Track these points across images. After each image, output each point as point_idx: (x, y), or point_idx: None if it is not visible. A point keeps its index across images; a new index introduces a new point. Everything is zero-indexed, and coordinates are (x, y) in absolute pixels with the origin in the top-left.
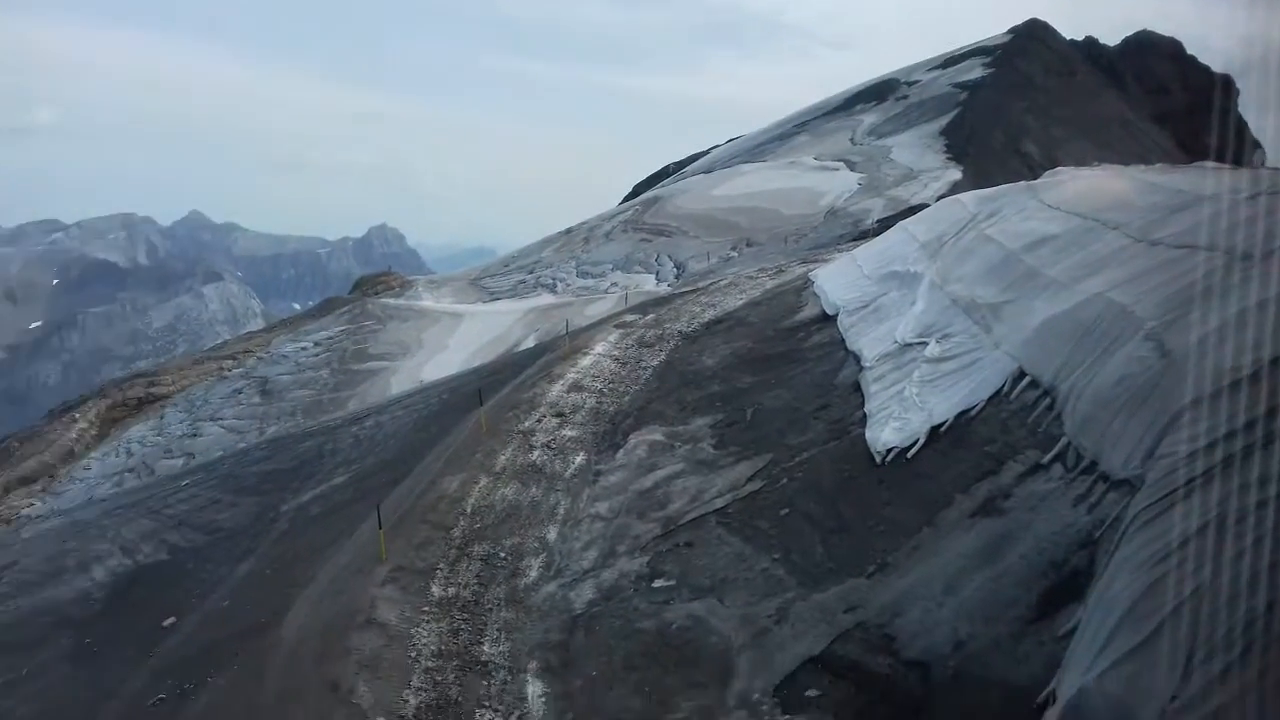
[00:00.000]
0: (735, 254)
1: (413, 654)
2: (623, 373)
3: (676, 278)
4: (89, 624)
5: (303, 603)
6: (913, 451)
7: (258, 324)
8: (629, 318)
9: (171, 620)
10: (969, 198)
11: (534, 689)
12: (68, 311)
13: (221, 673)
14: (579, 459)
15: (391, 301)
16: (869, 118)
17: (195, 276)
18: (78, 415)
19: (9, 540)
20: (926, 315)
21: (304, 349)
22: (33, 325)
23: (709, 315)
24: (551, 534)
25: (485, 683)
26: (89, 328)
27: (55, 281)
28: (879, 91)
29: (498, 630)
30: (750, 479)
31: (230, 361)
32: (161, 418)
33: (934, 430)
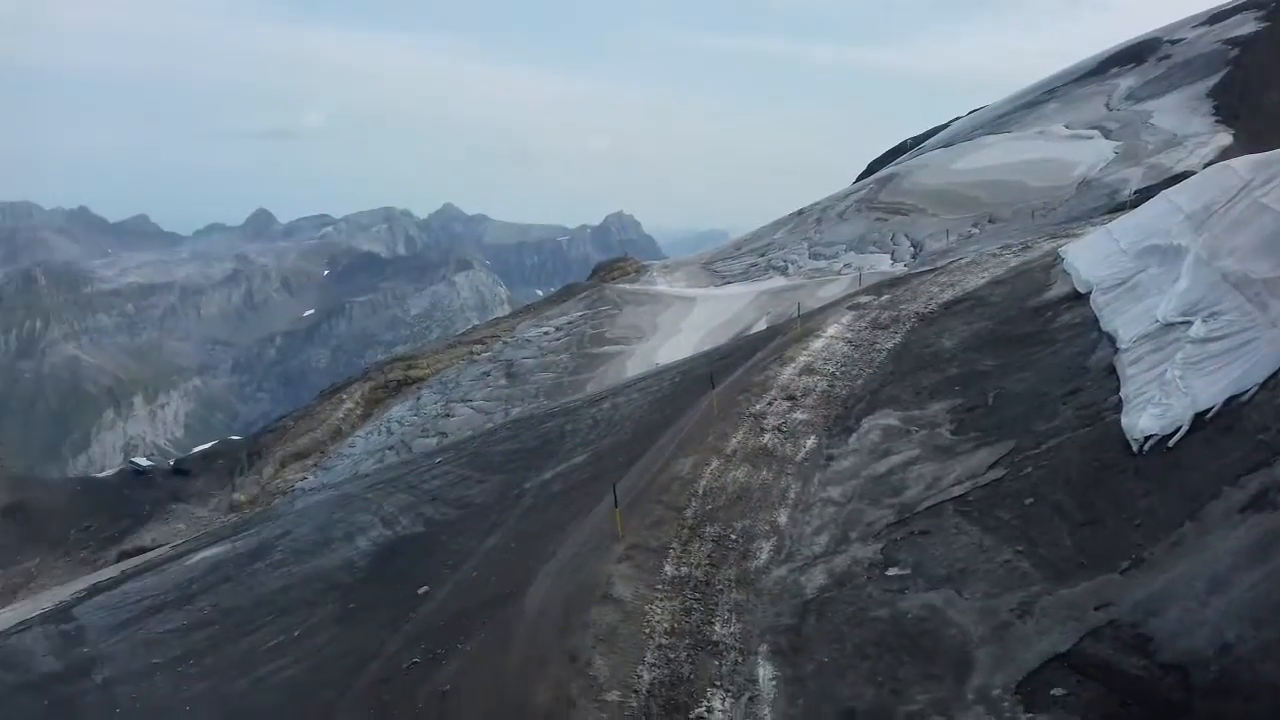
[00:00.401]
0: (976, 231)
1: (646, 630)
2: (856, 355)
3: (913, 257)
4: (353, 589)
5: (544, 576)
6: (1174, 440)
7: (504, 310)
8: (863, 299)
9: (425, 589)
10: (1242, 163)
11: (764, 671)
12: (336, 300)
13: (470, 640)
14: (810, 442)
15: (627, 287)
16: (1126, 81)
17: (448, 265)
18: (345, 396)
19: (285, 511)
20: (1191, 292)
21: (546, 333)
22: (306, 313)
23: (948, 295)
24: (782, 518)
25: (716, 662)
26: (354, 315)
27: (325, 272)
28: (1137, 53)
29: (728, 611)
30: (991, 466)
31: (479, 346)
32: (418, 399)
33: (1198, 417)
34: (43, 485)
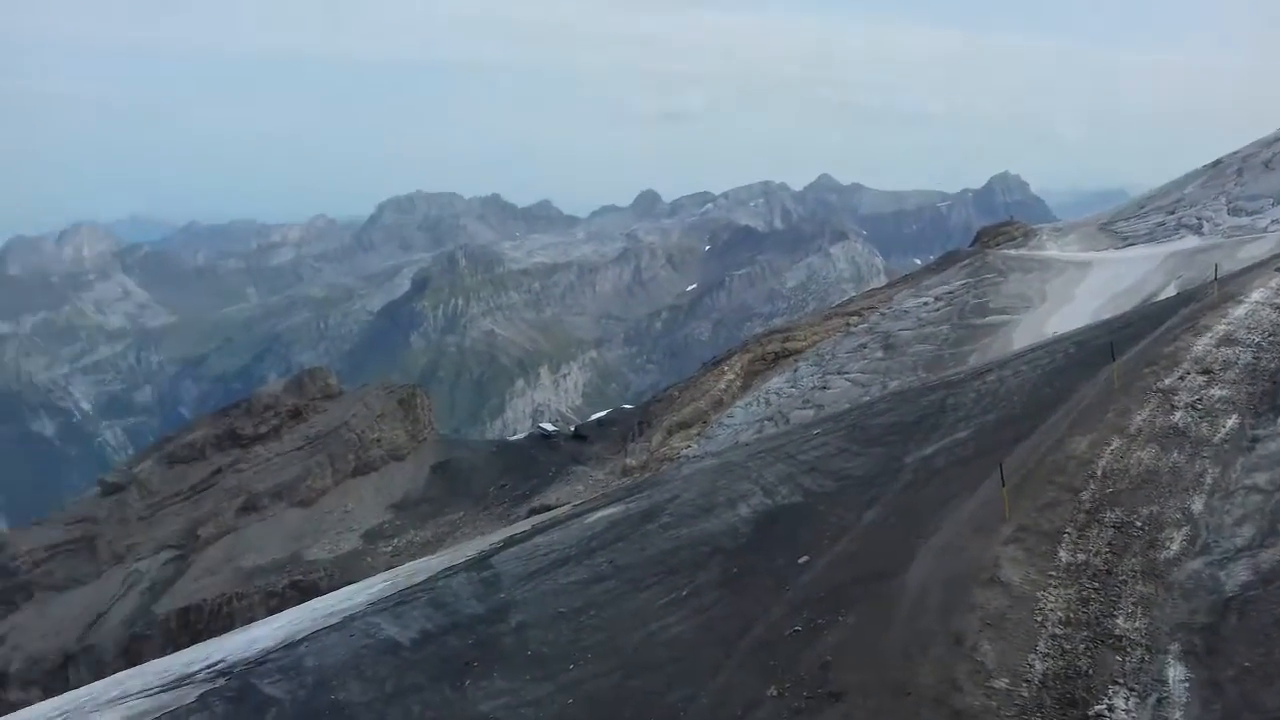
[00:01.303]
0: None
1: (1038, 618)
2: None
3: None
4: (736, 554)
5: (926, 554)
6: None
7: (880, 281)
8: None
9: (805, 558)
10: None
11: (1175, 672)
12: (717, 274)
13: (849, 612)
14: (1231, 422)
15: (1013, 253)
16: None
17: (824, 237)
18: (725, 368)
19: (672, 477)
20: None
21: (925, 304)
22: (689, 288)
23: None
24: (1197, 505)
25: (1119, 659)
26: (734, 288)
27: (707, 248)
28: None
29: (1133, 604)
30: None
31: (855, 318)
32: (795, 371)
33: None
34: (466, 446)
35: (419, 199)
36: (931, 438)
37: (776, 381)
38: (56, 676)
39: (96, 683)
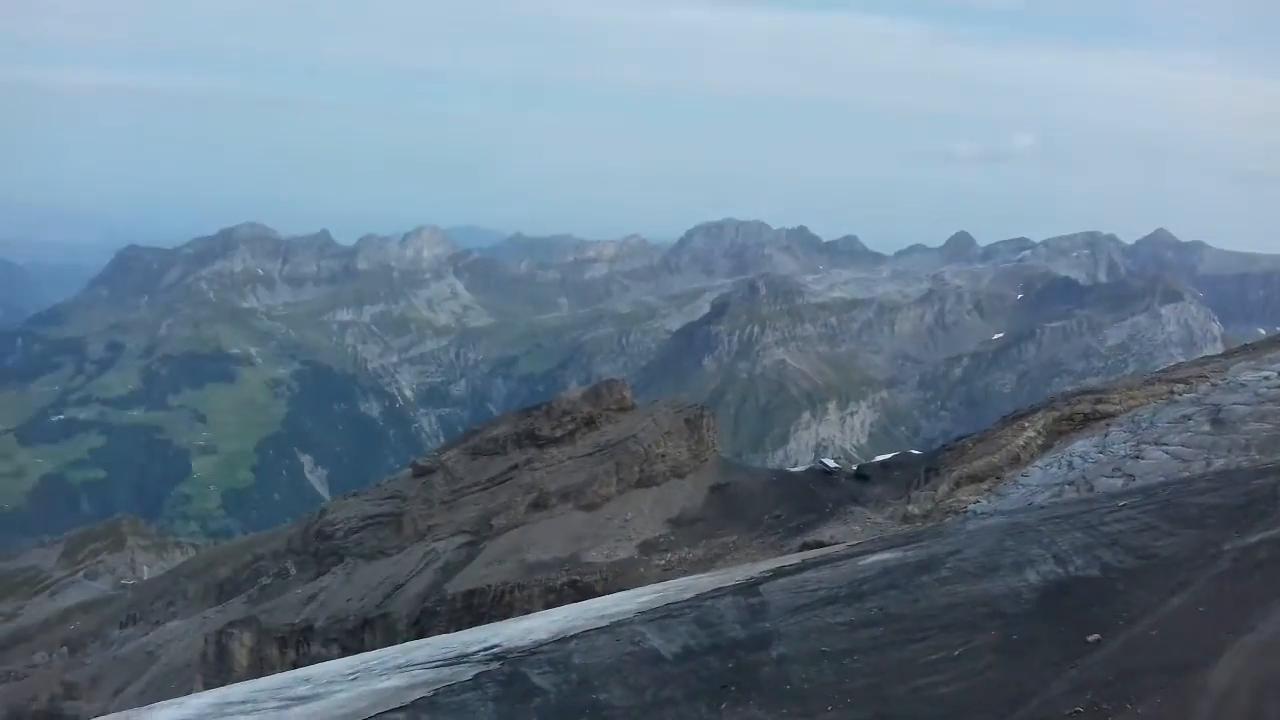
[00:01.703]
0: None
1: None
2: None
3: None
4: (1017, 621)
5: (1238, 651)
6: None
7: (1215, 348)
8: None
9: (1096, 637)
10: None
11: None
12: (1027, 325)
13: (1140, 703)
14: None
15: None
16: None
17: (1153, 296)
18: (1026, 424)
19: (955, 530)
20: None
21: (1266, 379)
22: (995, 336)
23: None
24: None
25: None
26: (1045, 341)
27: (1019, 296)
28: None
29: None
30: None
31: (1181, 386)
32: (1105, 435)
33: None
34: (746, 472)
35: (728, 226)
36: (1258, 525)
37: (1082, 444)
38: (354, 636)
39: (388, 648)
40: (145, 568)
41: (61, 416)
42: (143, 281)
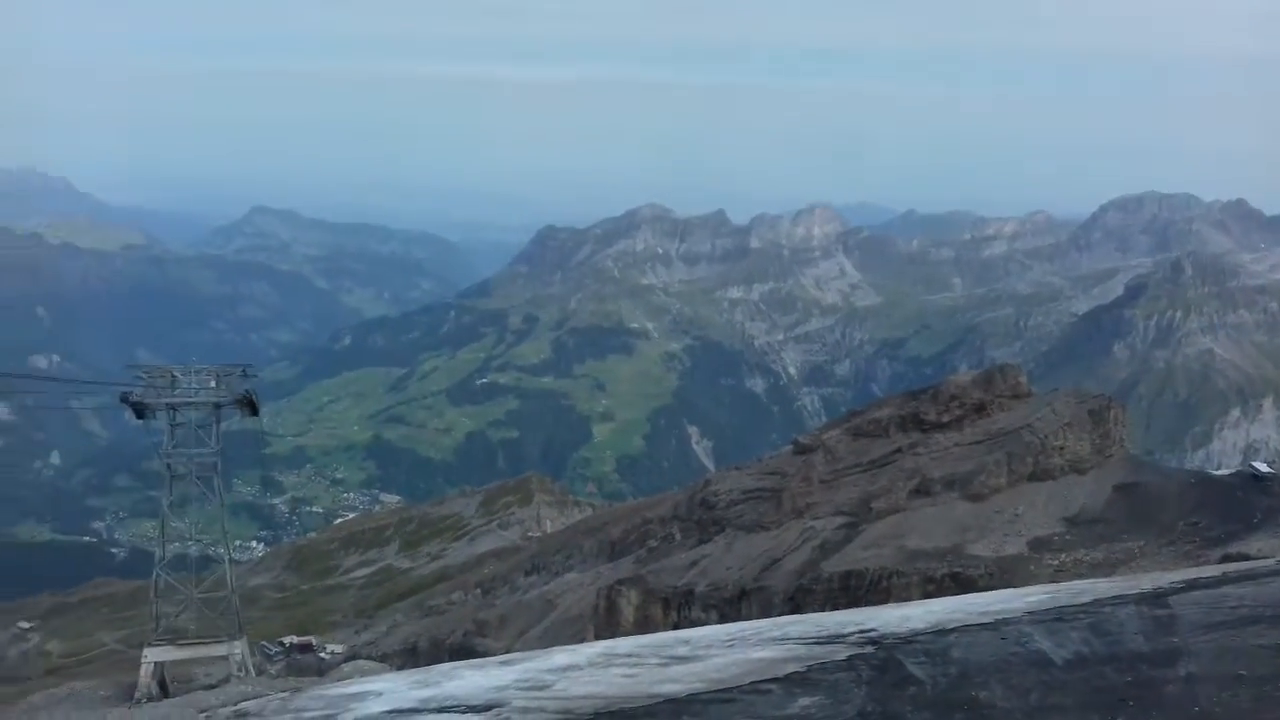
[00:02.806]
0: None
1: None
2: None
3: None
4: None
5: None
6: None
7: None
8: None
9: None
10: None
11: None
12: None
13: None
14: None
15: None
16: None
17: None
18: None
19: None
20: None
21: None
22: None
23: None
24: None
25: None
26: None
27: None
28: None
29: None
30: None
31: None
32: None
33: None
34: (1158, 472)
35: (1148, 200)
36: None
37: None
38: (731, 605)
39: (763, 620)
40: (548, 522)
41: (484, 380)
42: (557, 259)
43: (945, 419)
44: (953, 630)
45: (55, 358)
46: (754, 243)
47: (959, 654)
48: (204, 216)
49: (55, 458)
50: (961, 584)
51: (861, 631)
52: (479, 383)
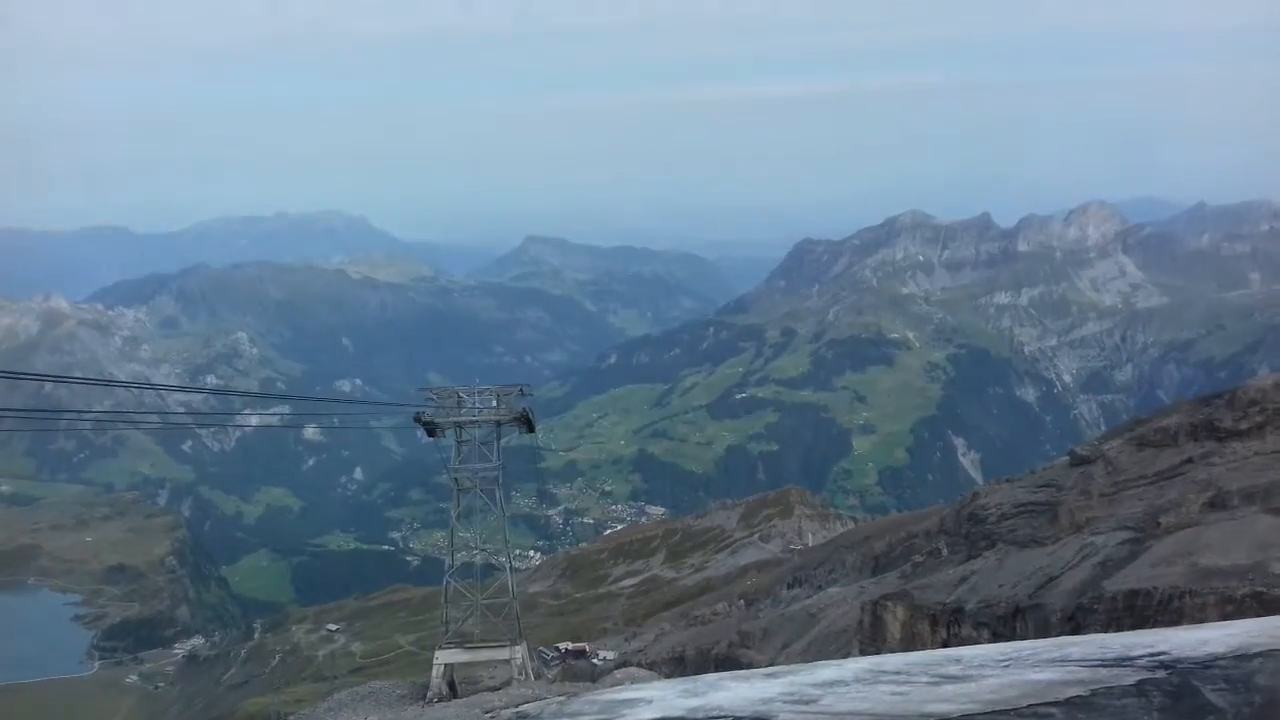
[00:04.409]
0: None
1: None
2: None
3: None
4: None
5: None
6: None
7: None
8: None
9: None
10: None
11: None
12: None
13: None
14: None
15: None
16: None
17: None
18: None
19: None
20: None
21: None
22: None
23: None
24: None
25: None
26: None
27: None
28: None
29: None
30: None
31: None
32: None
33: None
34: None
35: None
36: None
37: None
38: (1005, 623)
39: (1040, 640)
40: (810, 535)
41: (744, 394)
42: (814, 272)
43: (1243, 426)
44: (1257, 655)
45: (358, 381)
46: (1022, 246)
47: (1265, 681)
48: (485, 247)
49: (358, 473)
50: (1265, 605)
51: (1152, 655)
52: (738, 397)
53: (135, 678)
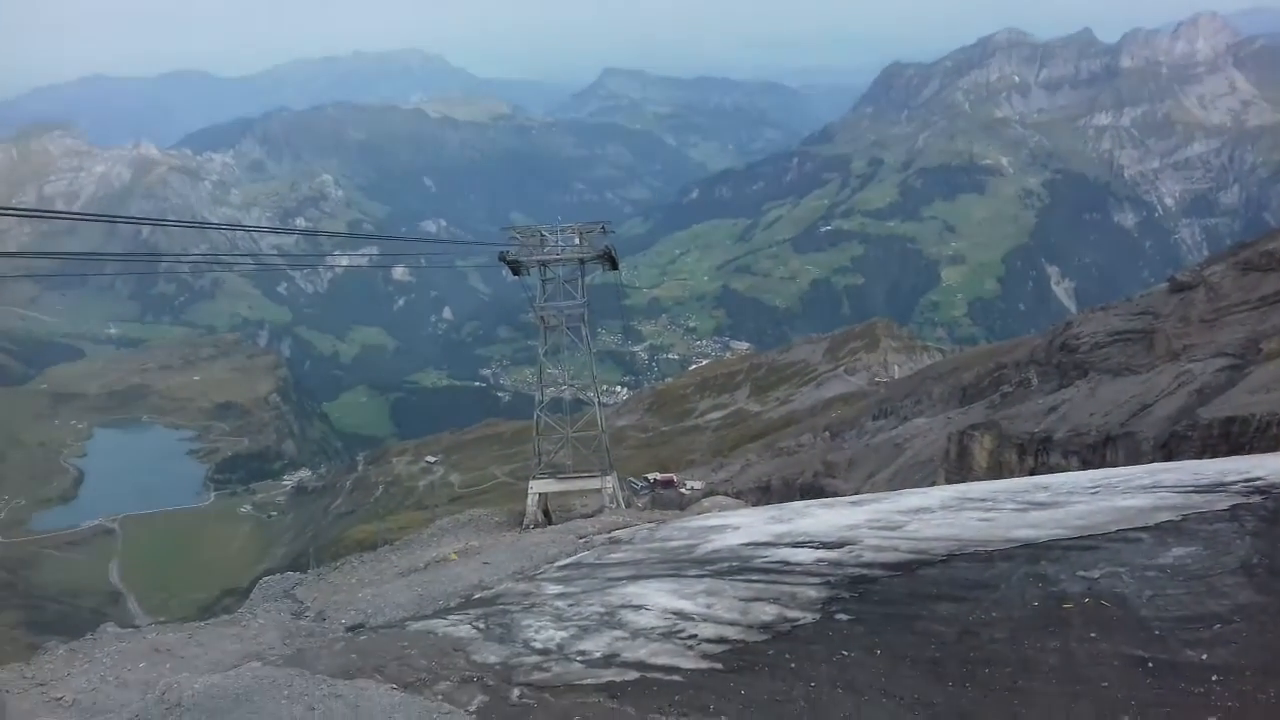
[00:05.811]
0: None
1: None
2: None
3: None
4: None
5: None
6: None
7: None
8: None
9: None
10: None
11: None
12: None
13: None
14: None
15: None
16: None
17: None
18: None
19: None
20: None
21: None
22: None
23: None
24: None
25: None
26: None
27: None
28: None
29: None
30: None
31: None
32: None
33: None
34: None
35: None
36: None
37: None
38: (1095, 451)
39: (1131, 467)
40: (896, 367)
41: (829, 227)
42: (903, 97)
43: None
44: None
45: (442, 222)
46: (1125, 62)
47: None
48: (562, 82)
49: (447, 312)
50: None
51: (1247, 480)
52: (823, 230)
53: (249, 507)
